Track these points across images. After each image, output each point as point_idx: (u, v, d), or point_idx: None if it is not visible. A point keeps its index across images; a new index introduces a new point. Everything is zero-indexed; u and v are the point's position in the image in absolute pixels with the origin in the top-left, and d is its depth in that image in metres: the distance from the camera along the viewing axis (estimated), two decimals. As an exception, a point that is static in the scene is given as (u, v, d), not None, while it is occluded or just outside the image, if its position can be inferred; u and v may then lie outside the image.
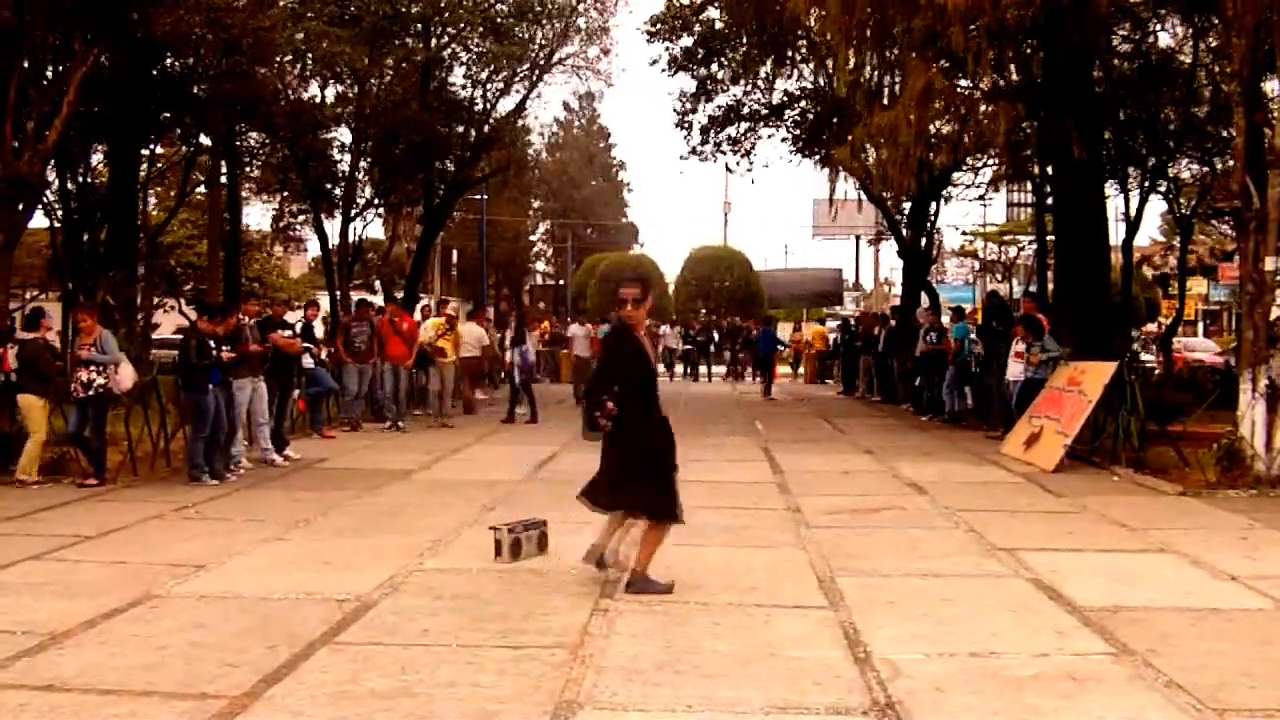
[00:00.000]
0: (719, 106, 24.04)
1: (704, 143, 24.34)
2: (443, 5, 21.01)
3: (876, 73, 15.31)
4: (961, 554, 6.88)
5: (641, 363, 5.87)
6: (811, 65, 22.36)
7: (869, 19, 13.76)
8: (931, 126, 14.30)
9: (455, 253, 48.28)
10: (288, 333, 12.19)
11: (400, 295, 21.83)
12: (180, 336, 11.25)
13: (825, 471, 10.77)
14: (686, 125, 24.15)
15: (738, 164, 24.81)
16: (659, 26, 22.99)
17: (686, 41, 22.96)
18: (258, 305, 12.29)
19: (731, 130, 24.22)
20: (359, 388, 14.67)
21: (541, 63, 23.61)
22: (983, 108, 13.97)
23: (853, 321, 25.79)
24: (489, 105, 23.39)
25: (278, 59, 16.68)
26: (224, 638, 4.93)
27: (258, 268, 30.76)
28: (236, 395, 10.39)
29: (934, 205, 23.17)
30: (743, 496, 8.98)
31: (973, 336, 15.55)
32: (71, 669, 4.47)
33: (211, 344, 9.86)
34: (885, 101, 14.82)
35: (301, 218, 24.53)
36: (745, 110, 24.08)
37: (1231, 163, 12.99)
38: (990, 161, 21.41)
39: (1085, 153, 13.57)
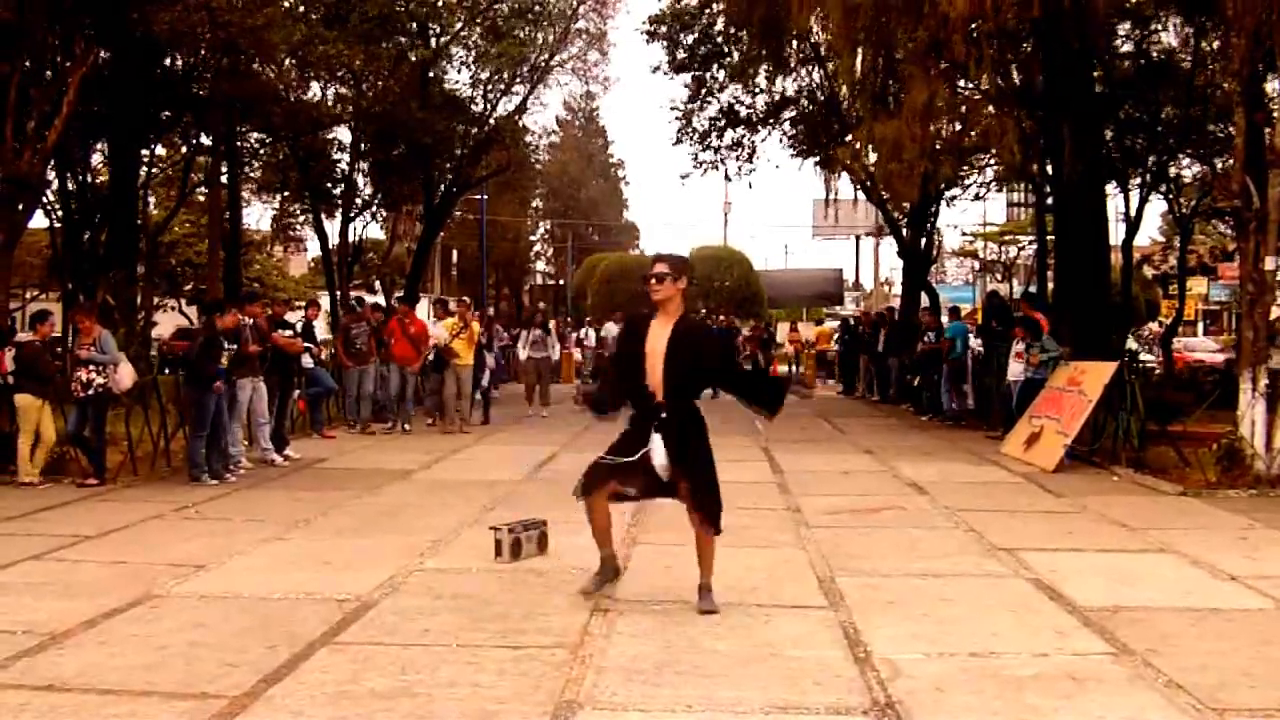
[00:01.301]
0: (719, 110, 24.01)
1: (705, 148, 24.29)
2: (440, 5, 21.00)
3: (880, 78, 15.30)
4: (961, 554, 6.88)
5: (631, 352, 5.35)
6: (813, 66, 22.35)
7: (871, 26, 13.75)
8: (932, 127, 14.30)
9: (455, 253, 48.27)
10: (288, 332, 12.19)
11: (400, 295, 21.82)
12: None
13: (825, 471, 10.77)
14: (688, 134, 24.10)
15: (740, 172, 24.80)
16: (657, 26, 22.97)
17: (687, 40, 22.93)
18: (259, 306, 12.25)
19: (731, 135, 24.18)
20: (359, 389, 14.65)
21: (541, 65, 23.62)
22: (985, 110, 13.98)
23: (853, 321, 25.76)
24: (489, 105, 23.41)
25: (277, 59, 16.66)
26: (224, 638, 4.92)
27: (258, 268, 30.76)
28: (237, 395, 10.40)
29: (934, 206, 23.17)
30: (743, 496, 8.94)
31: (970, 335, 15.55)
32: (71, 669, 4.47)
33: (223, 343, 9.90)
34: (890, 106, 14.81)
35: (301, 218, 24.55)
36: (744, 113, 24.04)
37: (1231, 163, 12.98)
38: (991, 161, 21.41)
39: (1085, 152, 13.57)
